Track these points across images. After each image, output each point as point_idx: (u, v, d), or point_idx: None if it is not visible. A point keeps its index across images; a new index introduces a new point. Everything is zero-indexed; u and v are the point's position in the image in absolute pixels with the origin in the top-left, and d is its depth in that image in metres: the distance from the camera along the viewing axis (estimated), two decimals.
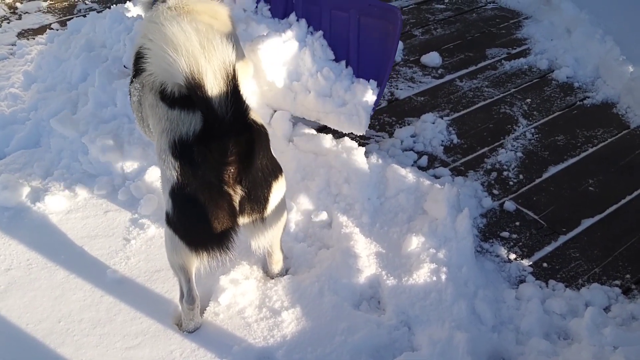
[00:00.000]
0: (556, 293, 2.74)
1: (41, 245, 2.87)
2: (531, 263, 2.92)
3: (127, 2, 4.53)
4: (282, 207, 2.37)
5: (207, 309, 2.56)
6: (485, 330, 2.52)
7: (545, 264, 2.92)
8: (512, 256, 2.95)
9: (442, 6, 5.32)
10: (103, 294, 2.65)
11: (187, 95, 1.94)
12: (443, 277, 2.62)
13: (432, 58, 4.45)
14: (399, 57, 4.49)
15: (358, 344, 2.40)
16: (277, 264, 2.67)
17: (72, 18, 4.58)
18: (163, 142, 2.11)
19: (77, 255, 2.84)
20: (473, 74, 4.36)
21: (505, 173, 3.47)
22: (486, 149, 3.66)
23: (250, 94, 3.32)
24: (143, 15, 2.89)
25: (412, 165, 3.43)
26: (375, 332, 2.45)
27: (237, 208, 2.10)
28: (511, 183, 3.40)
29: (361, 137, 3.44)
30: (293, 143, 3.30)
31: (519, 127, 3.85)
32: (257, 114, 2.20)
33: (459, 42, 4.76)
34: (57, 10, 5.30)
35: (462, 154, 3.62)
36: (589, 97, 4.11)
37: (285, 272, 2.73)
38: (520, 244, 3.03)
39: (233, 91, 1.87)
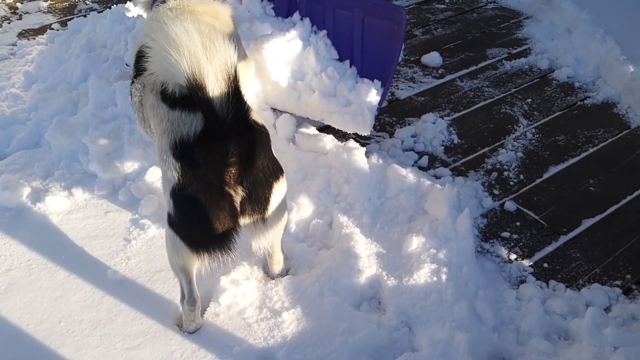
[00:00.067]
0: (557, 293, 2.74)
1: (42, 246, 2.87)
2: (532, 263, 2.92)
3: (128, 2, 4.54)
4: (283, 207, 2.37)
5: (208, 309, 2.56)
6: (486, 330, 2.52)
7: (545, 264, 2.92)
8: (513, 256, 2.95)
9: (442, 6, 5.32)
10: (103, 294, 2.65)
11: (188, 96, 1.94)
12: (443, 277, 2.62)
13: (433, 58, 4.45)
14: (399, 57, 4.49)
15: (358, 344, 2.40)
16: (277, 265, 2.67)
17: (73, 18, 4.59)
18: (164, 143, 2.11)
19: (78, 255, 2.84)
20: (474, 74, 4.36)
21: (505, 173, 3.47)
22: (487, 149, 3.66)
23: (252, 94, 3.32)
24: (143, 15, 2.90)
25: (413, 166, 3.43)
26: (376, 333, 2.45)
27: (238, 209, 2.10)
28: (512, 183, 3.40)
29: (361, 137, 3.44)
30: (293, 143, 3.30)
31: (519, 127, 3.84)
32: (258, 114, 2.20)
33: (459, 42, 4.76)
34: (57, 11, 5.30)
35: (463, 154, 3.61)
36: (589, 97, 4.11)
37: (285, 272, 2.73)
38: (521, 244, 3.03)
39: (234, 92, 1.87)
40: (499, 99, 4.11)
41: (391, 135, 3.72)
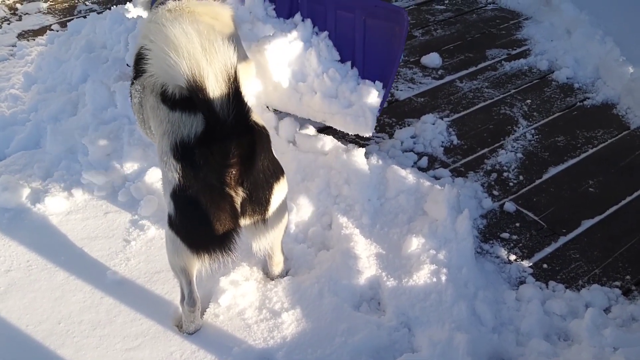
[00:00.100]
0: (556, 294, 2.74)
1: (41, 247, 2.87)
2: (531, 264, 2.92)
3: (128, 3, 4.53)
4: (283, 208, 2.37)
5: (207, 310, 2.56)
6: (486, 331, 2.52)
7: (545, 265, 2.92)
8: (512, 257, 2.95)
9: (442, 7, 5.32)
10: (103, 295, 2.65)
11: (188, 97, 1.94)
12: (443, 278, 2.62)
13: (432, 59, 4.45)
14: None
15: (358, 345, 2.40)
16: (277, 266, 2.67)
17: (73, 19, 4.59)
18: (164, 145, 2.11)
19: (77, 256, 2.84)
20: (473, 75, 4.36)
21: (505, 174, 3.47)
22: (486, 149, 3.66)
23: (252, 95, 3.32)
24: (144, 15, 2.89)
25: (412, 166, 3.43)
26: (376, 334, 2.45)
27: (239, 210, 2.10)
28: (511, 184, 3.40)
29: (361, 138, 3.44)
30: (293, 144, 3.30)
31: (519, 128, 3.85)
32: (258, 115, 2.20)
33: (459, 43, 4.76)
34: (57, 11, 5.30)
35: (462, 155, 3.62)
36: (589, 98, 4.11)
37: (285, 273, 2.73)
38: (521, 245, 3.03)
39: (235, 93, 1.87)
40: (498, 99, 4.11)
41: (391, 136, 3.72)
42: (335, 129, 3.36)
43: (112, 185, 3.19)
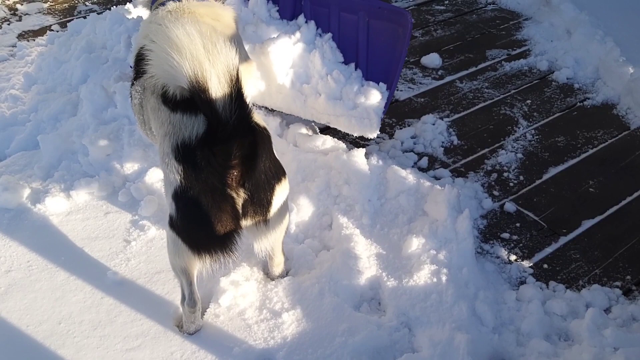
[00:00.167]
0: (557, 294, 2.74)
1: (41, 247, 2.87)
2: (532, 264, 2.92)
3: (128, 3, 4.54)
4: (284, 209, 2.37)
5: (208, 310, 2.56)
6: (486, 331, 2.52)
7: (545, 265, 2.92)
8: (513, 257, 2.95)
9: (442, 7, 5.32)
10: (103, 295, 2.65)
11: (189, 99, 1.94)
12: (443, 278, 2.62)
13: (432, 59, 4.45)
14: None
15: (358, 345, 2.40)
16: (278, 267, 2.67)
17: (73, 19, 4.60)
18: (166, 146, 2.10)
19: (78, 256, 2.84)
20: (473, 75, 4.36)
21: (505, 174, 3.47)
22: (486, 150, 3.66)
23: (254, 96, 3.32)
24: (144, 16, 2.89)
25: (413, 167, 3.43)
26: (376, 334, 2.45)
27: (240, 211, 2.10)
28: (511, 184, 3.40)
29: (361, 138, 3.44)
30: (293, 144, 3.30)
31: (519, 128, 3.85)
32: (259, 116, 2.20)
33: (459, 43, 4.76)
34: (57, 12, 5.31)
35: (463, 155, 3.62)
36: (589, 98, 4.11)
37: (285, 273, 2.73)
38: (521, 245, 3.03)
39: (237, 95, 1.86)
40: (498, 100, 4.11)
41: (391, 136, 3.72)
42: (336, 129, 3.36)
43: (113, 185, 3.19)
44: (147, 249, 2.87)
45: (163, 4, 2.54)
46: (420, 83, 4.27)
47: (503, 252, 2.97)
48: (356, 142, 3.56)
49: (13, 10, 5.31)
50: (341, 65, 3.33)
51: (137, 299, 2.63)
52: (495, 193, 3.34)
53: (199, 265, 2.26)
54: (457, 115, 3.95)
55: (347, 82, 3.25)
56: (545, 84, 4.26)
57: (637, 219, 3.18)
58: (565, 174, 3.49)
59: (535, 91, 4.19)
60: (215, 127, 1.91)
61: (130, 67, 3.60)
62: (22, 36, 4.89)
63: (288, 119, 3.56)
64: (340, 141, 3.33)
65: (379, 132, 3.20)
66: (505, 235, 3.08)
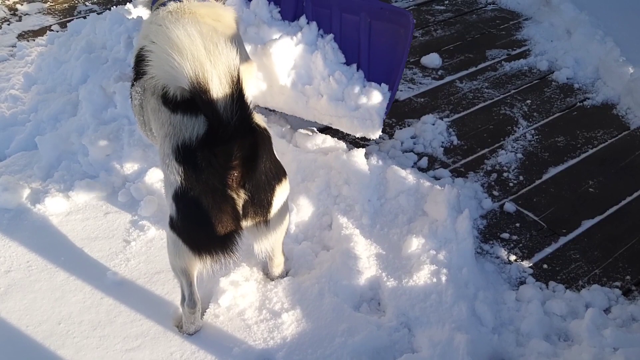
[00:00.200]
0: (556, 294, 2.74)
1: (41, 247, 2.87)
2: (531, 264, 2.92)
3: (128, 3, 4.54)
4: (285, 210, 2.36)
5: (207, 310, 2.56)
6: (486, 331, 2.52)
7: (545, 265, 2.92)
8: (513, 257, 2.95)
9: (442, 7, 5.32)
10: (103, 295, 2.65)
11: (190, 100, 1.94)
12: (443, 278, 2.62)
13: (432, 59, 4.45)
14: None
15: (358, 345, 2.40)
16: (278, 267, 2.67)
17: (73, 19, 4.60)
18: (166, 147, 2.10)
19: (77, 257, 2.84)
20: (473, 75, 4.36)
21: (505, 174, 3.47)
22: (486, 150, 3.66)
23: (254, 96, 3.32)
24: (143, 16, 2.88)
25: (412, 167, 3.43)
26: (376, 334, 2.45)
27: (241, 212, 2.10)
28: (511, 184, 3.40)
29: (361, 138, 3.44)
30: (293, 144, 3.30)
31: (519, 128, 3.85)
32: (259, 117, 2.20)
33: (459, 43, 4.76)
34: (57, 12, 5.30)
35: (462, 155, 3.62)
36: (589, 98, 4.11)
37: (285, 274, 2.73)
38: (521, 245, 3.03)
39: (238, 95, 1.86)
40: (498, 100, 4.11)
41: (391, 136, 3.72)
42: (336, 129, 3.36)
43: (112, 185, 3.19)
44: (146, 249, 2.87)
45: (164, 4, 2.54)
46: (420, 83, 4.27)
47: (503, 252, 2.97)
48: (356, 142, 3.56)
49: (13, 10, 5.31)
50: (343, 66, 3.33)
51: (136, 299, 2.63)
52: (495, 193, 3.34)
53: (199, 266, 2.26)
54: (457, 115, 3.95)
55: (349, 83, 3.25)
56: (545, 84, 4.26)
57: (637, 219, 3.18)
58: (565, 174, 3.49)
59: (535, 91, 4.19)
60: (216, 127, 1.90)
61: (130, 67, 3.60)
62: (22, 36, 4.89)
63: (290, 121, 3.56)
64: (340, 141, 3.33)
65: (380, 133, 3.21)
66: (505, 235, 3.08)
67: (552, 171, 3.50)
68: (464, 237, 2.77)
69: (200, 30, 1.82)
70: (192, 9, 2.49)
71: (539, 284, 2.79)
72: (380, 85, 3.23)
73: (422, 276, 2.64)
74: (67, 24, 4.48)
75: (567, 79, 4.29)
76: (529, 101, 4.09)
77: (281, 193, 2.23)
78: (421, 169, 3.45)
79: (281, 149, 3.20)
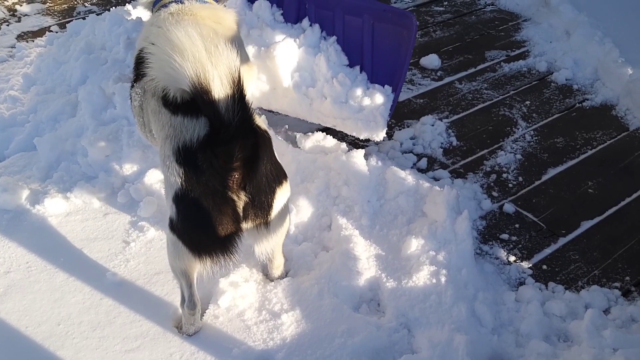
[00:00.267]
0: (556, 295, 2.74)
1: (40, 248, 2.87)
2: (531, 265, 2.92)
3: (127, 4, 4.53)
4: (285, 212, 2.36)
5: (207, 311, 2.56)
6: (485, 332, 2.52)
7: (544, 266, 2.92)
8: (512, 258, 2.95)
9: (441, 8, 5.33)
10: (102, 296, 2.64)
11: (190, 101, 1.94)
12: (443, 279, 2.62)
13: (431, 60, 4.46)
14: None
15: (358, 346, 2.40)
16: (277, 269, 2.67)
17: (72, 20, 4.59)
18: (167, 149, 2.10)
19: (77, 257, 2.83)
20: (472, 76, 4.37)
21: (504, 175, 3.47)
22: (485, 151, 3.66)
23: (256, 98, 3.32)
24: (143, 17, 2.88)
25: (412, 168, 3.43)
26: (375, 335, 2.45)
27: (241, 214, 2.10)
28: (510, 185, 3.41)
29: (361, 139, 3.44)
30: (293, 145, 3.30)
31: (518, 129, 3.85)
32: (260, 119, 2.20)
33: (458, 44, 4.77)
34: (56, 13, 5.30)
35: (462, 156, 3.62)
36: (588, 99, 4.12)
37: (285, 274, 2.73)
38: (520, 246, 3.03)
39: (239, 97, 1.87)
40: (497, 101, 4.12)
41: (390, 137, 3.72)
42: (335, 130, 3.36)
43: (112, 186, 3.19)
44: (146, 250, 2.87)
45: (165, 5, 2.54)
46: (420, 84, 4.27)
47: (502, 253, 2.97)
48: (355, 143, 3.56)
49: (12, 11, 5.31)
50: (346, 68, 3.32)
51: (136, 300, 2.63)
52: (494, 194, 3.34)
53: (199, 268, 2.26)
54: (456, 116, 3.95)
55: (353, 85, 3.24)
56: (544, 85, 4.27)
57: (636, 220, 3.18)
58: (564, 175, 3.49)
59: (534, 92, 4.20)
60: (217, 128, 1.90)
61: (129, 68, 3.60)
62: (21, 37, 4.89)
63: (290, 122, 3.57)
64: (340, 142, 3.33)
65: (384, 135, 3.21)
66: (505, 236, 3.08)
67: (552, 172, 3.51)
68: (464, 238, 2.77)
69: (201, 32, 1.82)
70: (193, 11, 2.49)
71: (539, 285, 2.80)
72: (383, 87, 3.23)
73: (422, 277, 2.64)
74: (67, 25, 4.47)
75: (566, 80, 4.29)
76: (528, 102, 4.09)
77: (282, 195, 2.23)
78: (420, 170, 3.45)
79: (281, 150, 3.20)
